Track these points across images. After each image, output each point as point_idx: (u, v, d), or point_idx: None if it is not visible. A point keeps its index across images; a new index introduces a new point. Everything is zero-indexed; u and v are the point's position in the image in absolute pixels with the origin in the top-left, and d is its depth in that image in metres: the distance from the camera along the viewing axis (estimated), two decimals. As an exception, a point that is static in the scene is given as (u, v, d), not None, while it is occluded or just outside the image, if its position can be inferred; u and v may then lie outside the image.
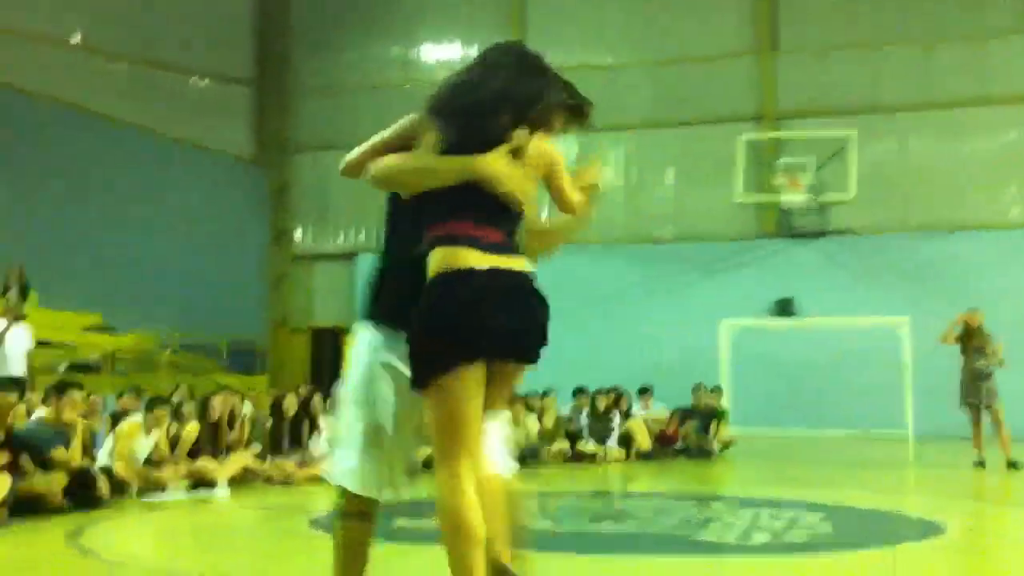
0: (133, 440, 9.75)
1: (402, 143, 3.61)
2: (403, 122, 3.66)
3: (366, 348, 3.68)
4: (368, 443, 3.61)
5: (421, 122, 3.57)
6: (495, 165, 3.44)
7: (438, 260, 3.42)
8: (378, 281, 3.77)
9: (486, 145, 3.45)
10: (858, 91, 22.35)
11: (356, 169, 3.68)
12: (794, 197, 21.30)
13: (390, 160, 3.57)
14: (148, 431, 9.90)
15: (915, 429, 19.16)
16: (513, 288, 3.49)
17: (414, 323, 3.41)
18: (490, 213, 3.49)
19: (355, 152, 3.70)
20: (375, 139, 3.68)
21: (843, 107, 22.31)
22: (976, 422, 12.82)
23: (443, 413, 3.40)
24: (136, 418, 10.08)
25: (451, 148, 3.45)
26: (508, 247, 3.53)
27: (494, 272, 3.42)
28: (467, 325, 3.36)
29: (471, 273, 3.39)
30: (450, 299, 3.37)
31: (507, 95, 3.55)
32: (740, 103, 23.12)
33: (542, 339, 3.56)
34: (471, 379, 3.39)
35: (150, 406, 10.12)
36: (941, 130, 21.95)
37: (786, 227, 22.41)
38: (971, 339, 12.90)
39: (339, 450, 3.69)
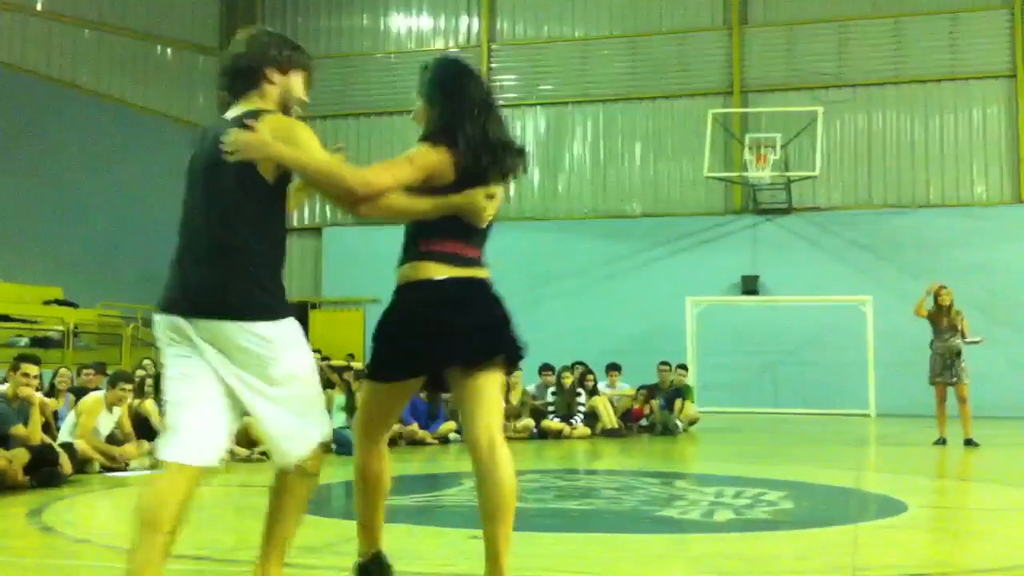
0: (95, 416, 9.66)
1: (425, 182, 3.87)
2: (423, 160, 3.88)
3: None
4: None
5: (440, 159, 3.90)
6: (479, 202, 3.90)
7: (403, 273, 3.98)
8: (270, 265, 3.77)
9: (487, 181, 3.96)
10: (826, 66, 22.43)
11: (377, 196, 3.75)
12: (761, 173, 21.40)
13: (400, 202, 3.83)
14: (110, 407, 9.82)
15: (877, 407, 19.38)
16: (465, 296, 3.95)
17: (377, 326, 3.98)
18: (470, 233, 3.98)
19: (380, 176, 3.75)
20: (399, 173, 3.80)
21: (811, 81, 22.41)
22: (942, 400, 12.93)
23: (373, 404, 4.13)
24: (98, 394, 10.00)
25: (464, 181, 3.90)
26: (477, 261, 4.02)
27: (450, 282, 3.92)
28: (406, 341, 3.91)
29: (426, 284, 3.90)
30: (400, 313, 3.94)
31: (511, 150, 4.06)
32: (710, 77, 23.17)
33: (496, 338, 4.02)
34: (401, 387, 4.08)
35: (112, 382, 10.03)
36: (908, 106, 22.10)
37: (753, 203, 22.50)
38: (942, 317, 12.96)
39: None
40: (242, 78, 3.83)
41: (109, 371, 11.08)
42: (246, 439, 10.15)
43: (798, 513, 7.25)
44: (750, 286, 21.75)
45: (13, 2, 20.84)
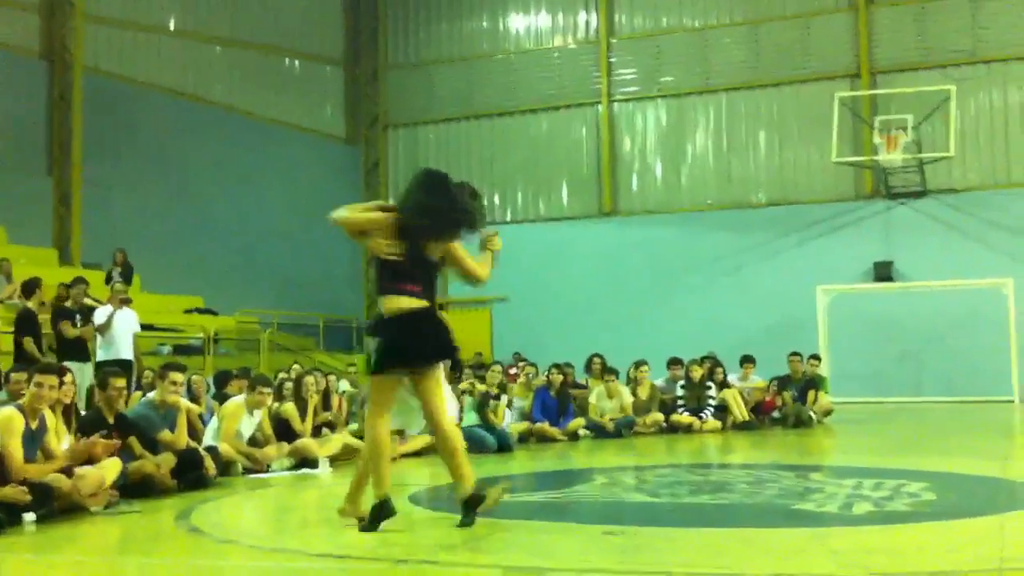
0: (237, 420, 9.97)
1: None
2: None
3: None
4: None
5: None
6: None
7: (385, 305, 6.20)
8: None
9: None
10: (958, 43, 21.71)
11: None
12: (892, 156, 20.85)
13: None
14: (251, 411, 10.11)
15: (1021, 393, 18.70)
16: (410, 321, 6.13)
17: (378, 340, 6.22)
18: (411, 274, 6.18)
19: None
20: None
21: (942, 60, 21.73)
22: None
23: (377, 391, 6.27)
24: (240, 398, 10.30)
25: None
26: (418, 293, 6.18)
27: (402, 313, 6.14)
28: (389, 352, 6.11)
29: (394, 317, 6.14)
30: (388, 334, 6.16)
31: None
32: (835, 60, 22.68)
33: (435, 352, 6.23)
34: (389, 379, 6.22)
35: (252, 386, 10.31)
36: (1044, 81, 21.26)
37: (884, 187, 21.93)
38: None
39: None
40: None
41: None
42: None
43: (941, 504, 7.05)
44: (884, 272, 21.21)
45: (147, 24, 21.62)
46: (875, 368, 20.14)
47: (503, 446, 11.64)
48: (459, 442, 6.22)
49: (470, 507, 6.06)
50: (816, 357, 16.37)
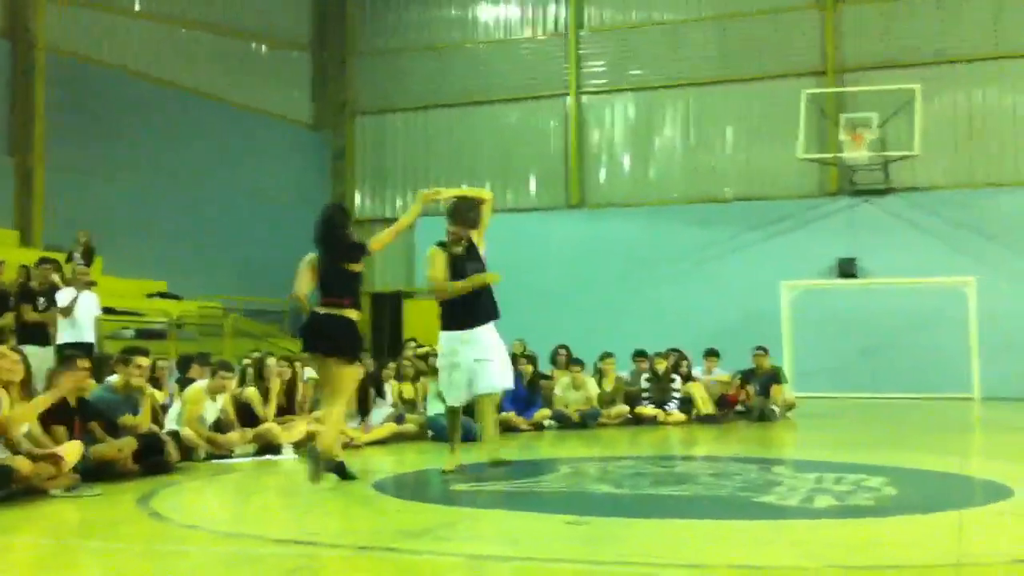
0: (200, 405, 9.91)
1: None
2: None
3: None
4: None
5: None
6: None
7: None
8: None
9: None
10: (924, 43, 21.89)
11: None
12: (858, 153, 21.00)
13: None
14: (213, 396, 10.06)
15: (981, 390, 18.90)
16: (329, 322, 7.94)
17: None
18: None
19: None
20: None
21: (909, 60, 21.90)
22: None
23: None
24: (202, 383, 10.24)
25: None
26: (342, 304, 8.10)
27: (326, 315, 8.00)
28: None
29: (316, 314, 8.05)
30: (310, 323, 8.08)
31: None
32: (803, 57, 22.80)
33: (342, 348, 7.92)
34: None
35: (214, 371, 10.26)
36: (1010, 82, 21.48)
37: (849, 184, 22.09)
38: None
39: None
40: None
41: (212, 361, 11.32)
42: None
43: (901, 499, 7.11)
44: (847, 269, 21.37)
45: (112, 4, 21.33)
46: (837, 364, 20.30)
47: (467, 435, 11.62)
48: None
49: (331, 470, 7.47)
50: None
